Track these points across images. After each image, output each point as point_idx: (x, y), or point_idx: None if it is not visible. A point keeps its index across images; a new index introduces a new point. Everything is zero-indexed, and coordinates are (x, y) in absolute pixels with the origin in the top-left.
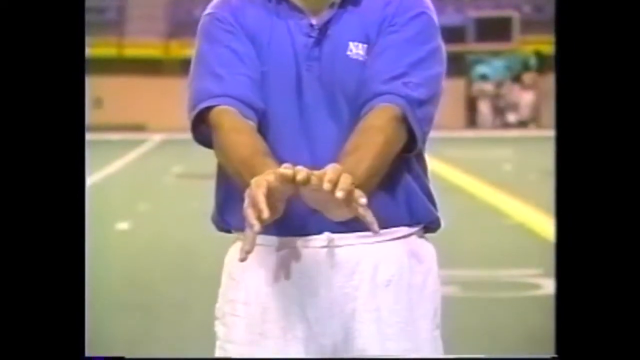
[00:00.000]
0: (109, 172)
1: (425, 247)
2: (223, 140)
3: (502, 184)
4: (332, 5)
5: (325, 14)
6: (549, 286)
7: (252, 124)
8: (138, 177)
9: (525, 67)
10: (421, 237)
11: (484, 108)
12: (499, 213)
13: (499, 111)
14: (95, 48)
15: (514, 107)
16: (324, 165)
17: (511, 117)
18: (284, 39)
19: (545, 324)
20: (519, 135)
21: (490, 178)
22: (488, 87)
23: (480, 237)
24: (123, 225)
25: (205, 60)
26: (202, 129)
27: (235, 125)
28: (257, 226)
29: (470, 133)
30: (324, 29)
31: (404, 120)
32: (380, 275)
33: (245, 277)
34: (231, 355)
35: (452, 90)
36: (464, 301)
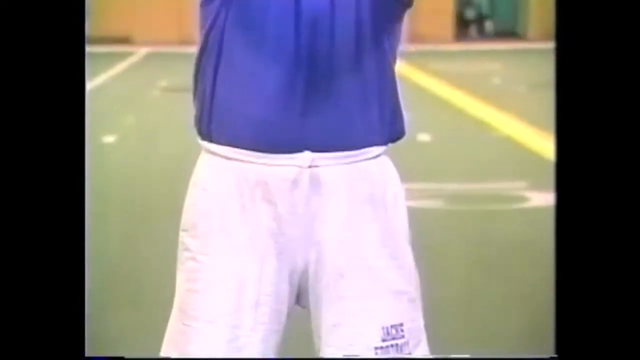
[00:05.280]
0: (95, 85)
1: (391, 167)
2: None
3: (490, 97)
4: None
5: None
6: (536, 199)
7: None
8: (124, 90)
9: None
10: (385, 157)
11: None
12: (487, 126)
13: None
14: None
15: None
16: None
17: (469, 13)
18: None
19: (532, 236)
20: (508, 48)
21: (478, 91)
22: None
23: (468, 150)
24: (109, 139)
25: None
26: None
27: None
28: None
29: (458, 46)
30: None
31: None
32: (357, 194)
33: (220, 189)
34: (205, 266)
35: (439, 3)
36: (450, 214)
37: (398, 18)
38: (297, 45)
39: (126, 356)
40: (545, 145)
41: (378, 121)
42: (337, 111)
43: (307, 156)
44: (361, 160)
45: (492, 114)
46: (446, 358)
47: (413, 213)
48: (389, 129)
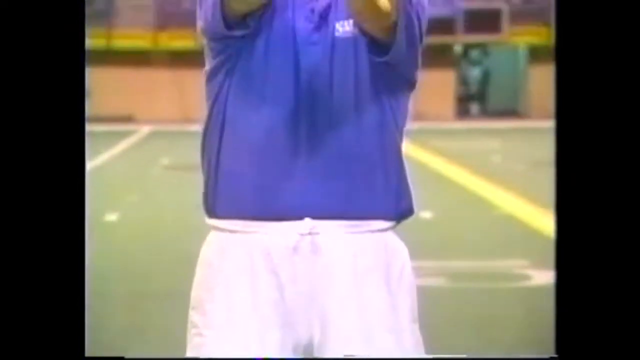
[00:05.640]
0: (97, 164)
1: (399, 243)
2: None
3: (491, 175)
4: None
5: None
6: (538, 277)
7: None
8: (126, 168)
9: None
10: (393, 233)
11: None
12: (488, 204)
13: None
14: None
15: (463, 81)
16: (321, 124)
17: (462, 92)
18: (286, 20)
19: (535, 315)
20: (508, 127)
21: (479, 169)
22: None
23: (469, 228)
24: (112, 217)
25: None
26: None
27: None
28: None
29: (459, 124)
30: (323, 14)
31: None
32: (359, 265)
33: (224, 263)
34: (210, 340)
35: (441, 82)
36: (452, 292)
37: (401, 92)
38: (296, 108)
39: (126, 356)
40: (546, 223)
41: (383, 193)
42: (338, 177)
43: (307, 223)
44: (366, 232)
45: (493, 191)
46: (446, 358)
47: (415, 290)
48: (395, 203)
